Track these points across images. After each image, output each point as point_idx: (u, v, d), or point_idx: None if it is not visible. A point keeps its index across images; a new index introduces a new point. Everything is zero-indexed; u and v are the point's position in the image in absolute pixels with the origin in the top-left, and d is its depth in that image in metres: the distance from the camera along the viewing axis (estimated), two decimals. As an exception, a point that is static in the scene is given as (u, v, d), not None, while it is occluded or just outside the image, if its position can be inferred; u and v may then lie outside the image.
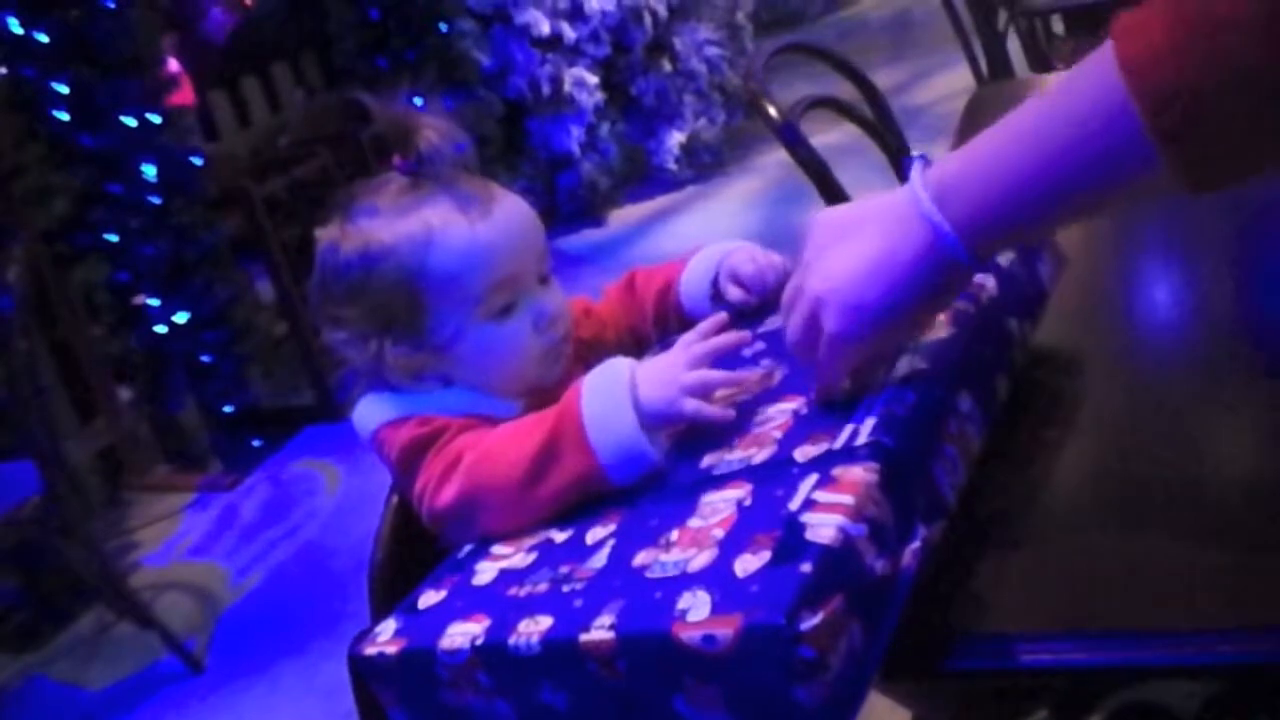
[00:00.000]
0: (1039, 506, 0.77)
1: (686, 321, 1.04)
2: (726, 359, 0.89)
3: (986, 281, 0.86)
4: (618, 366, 0.86)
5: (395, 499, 0.98)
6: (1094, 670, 0.66)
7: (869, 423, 0.72)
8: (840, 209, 0.79)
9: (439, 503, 0.87)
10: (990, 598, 0.71)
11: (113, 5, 3.09)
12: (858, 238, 0.74)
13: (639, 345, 1.09)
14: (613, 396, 0.84)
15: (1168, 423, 0.82)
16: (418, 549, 0.95)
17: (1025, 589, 0.71)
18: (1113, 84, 0.61)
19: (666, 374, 0.85)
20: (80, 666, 2.61)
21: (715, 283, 1.06)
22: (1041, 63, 3.22)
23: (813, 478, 0.69)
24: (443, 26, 4.46)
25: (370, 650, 0.77)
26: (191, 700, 2.39)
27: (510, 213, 0.97)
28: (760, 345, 0.94)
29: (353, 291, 0.95)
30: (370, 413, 0.96)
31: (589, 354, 1.02)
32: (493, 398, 0.96)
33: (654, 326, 1.09)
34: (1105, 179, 0.64)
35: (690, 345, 0.87)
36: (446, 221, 0.94)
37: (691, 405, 0.83)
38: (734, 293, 1.05)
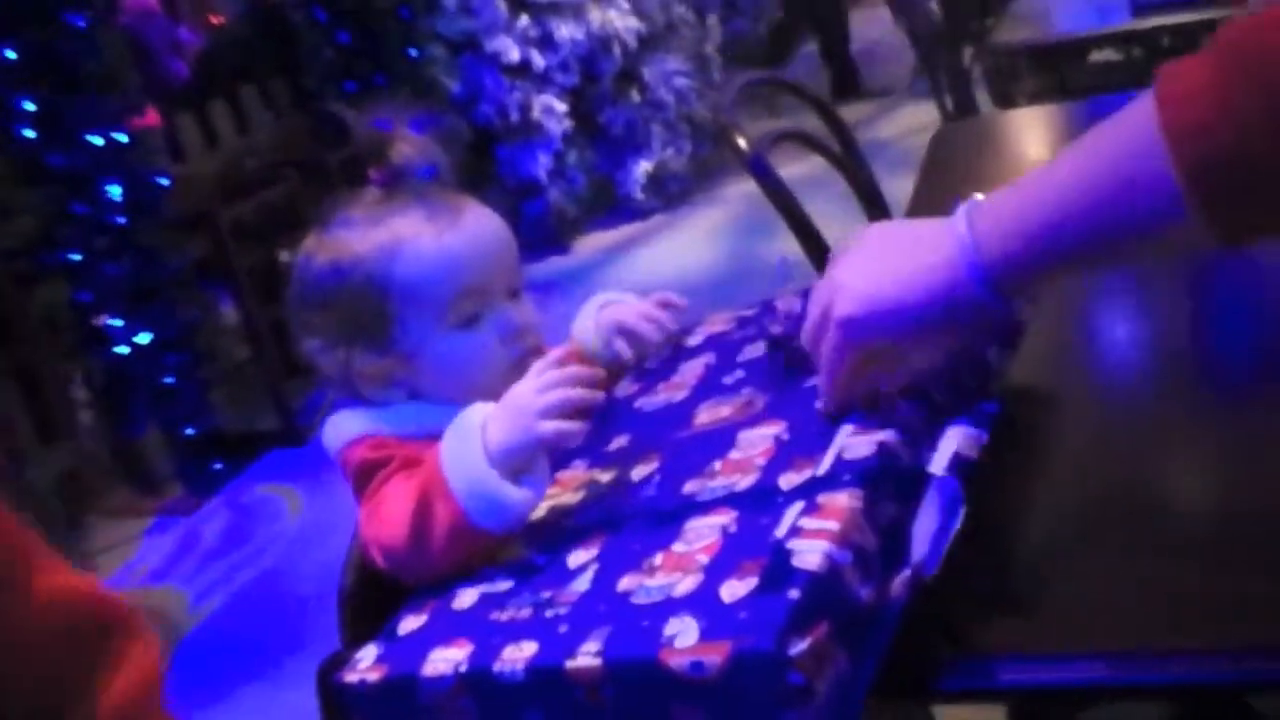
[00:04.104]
0: (1007, 535, 0.78)
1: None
2: (702, 388, 0.90)
3: None
4: (473, 409, 0.87)
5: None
6: (1054, 690, 0.67)
7: (852, 448, 0.73)
8: (891, 222, 0.80)
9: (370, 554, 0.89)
10: (961, 620, 0.71)
11: (82, 24, 3.08)
12: (894, 244, 0.76)
13: None
14: (465, 438, 0.84)
15: (1133, 455, 0.84)
16: (386, 576, 0.95)
17: (997, 612, 0.71)
18: (1146, 125, 0.61)
19: (517, 403, 0.85)
20: (35, 692, 2.56)
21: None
22: (1006, 100, 3.27)
23: (798, 505, 0.69)
24: (413, 52, 4.47)
25: (351, 678, 0.77)
26: (149, 726, 2.35)
27: (479, 224, 0.98)
28: (740, 374, 0.94)
29: (324, 300, 0.97)
30: (337, 430, 0.97)
31: None
32: (459, 411, 0.95)
33: None
34: (1131, 220, 0.64)
35: (541, 372, 0.87)
36: (415, 231, 0.95)
37: (549, 427, 0.82)
38: (619, 345, 1.01)
